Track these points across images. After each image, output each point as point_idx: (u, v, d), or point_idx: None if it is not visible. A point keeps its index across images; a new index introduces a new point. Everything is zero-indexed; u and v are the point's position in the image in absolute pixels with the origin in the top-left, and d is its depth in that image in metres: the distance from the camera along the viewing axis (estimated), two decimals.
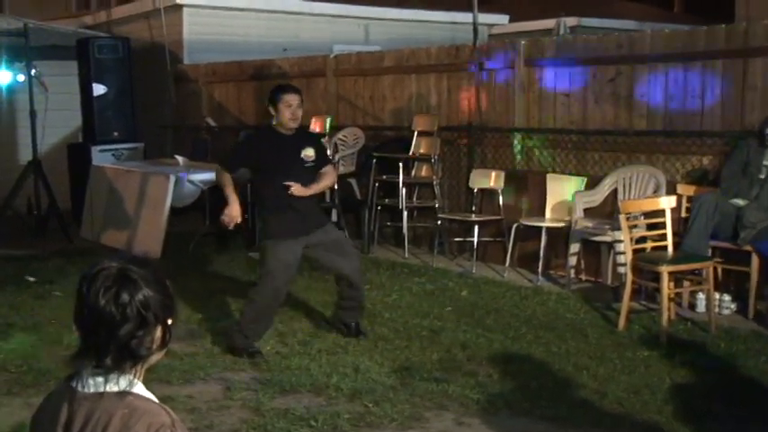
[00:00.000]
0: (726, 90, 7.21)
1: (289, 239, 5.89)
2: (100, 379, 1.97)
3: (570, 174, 8.26)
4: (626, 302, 6.47)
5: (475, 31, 9.26)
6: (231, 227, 6.12)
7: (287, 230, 5.90)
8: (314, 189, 6.07)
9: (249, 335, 5.96)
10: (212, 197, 10.65)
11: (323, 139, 6.81)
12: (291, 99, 5.92)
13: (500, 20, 16.33)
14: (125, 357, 1.97)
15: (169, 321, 2.05)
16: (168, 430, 1.90)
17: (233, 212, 5.95)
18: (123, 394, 1.96)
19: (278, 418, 4.85)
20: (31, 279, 8.23)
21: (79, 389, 1.99)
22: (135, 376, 2.01)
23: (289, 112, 5.90)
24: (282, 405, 5.05)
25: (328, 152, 7.48)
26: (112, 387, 1.97)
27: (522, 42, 8.85)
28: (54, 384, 5.21)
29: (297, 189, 5.90)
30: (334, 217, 9.95)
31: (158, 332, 2.02)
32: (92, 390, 1.97)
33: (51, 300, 7.54)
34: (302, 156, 6.01)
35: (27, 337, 6.44)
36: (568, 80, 8.37)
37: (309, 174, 6.06)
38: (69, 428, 1.96)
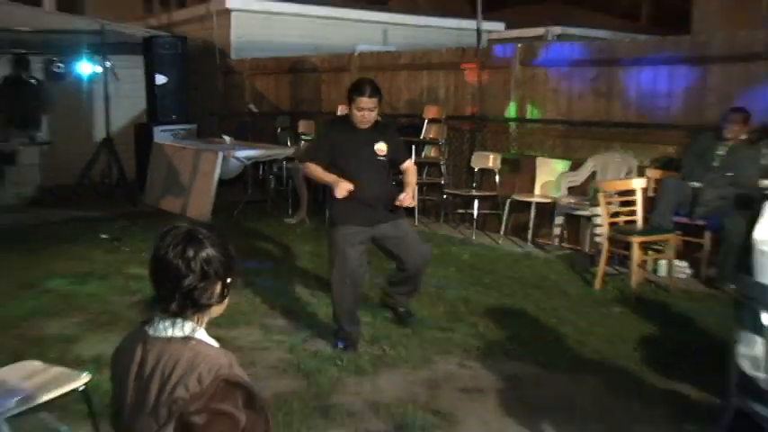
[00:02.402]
0: (688, 90, 7.08)
1: (354, 226, 4.97)
2: (167, 323, 1.93)
3: (557, 158, 8.15)
4: (602, 267, 6.39)
5: (478, 35, 9.10)
6: (348, 194, 4.85)
7: (353, 218, 4.97)
8: (412, 193, 5.07)
9: (337, 317, 5.09)
10: (254, 171, 10.66)
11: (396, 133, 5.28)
12: (364, 103, 4.87)
13: (497, 27, 16.08)
14: (188, 305, 1.92)
15: (228, 279, 1.99)
16: (226, 369, 1.85)
17: (342, 187, 4.84)
18: (187, 339, 1.91)
19: (309, 358, 4.81)
20: (104, 236, 8.19)
21: (151, 332, 1.94)
22: (198, 323, 1.96)
23: (359, 114, 4.91)
24: (312, 347, 5.01)
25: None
26: (178, 332, 1.92)
27: (519, 46, 8.71)
28: (123, 324, 5.26)
29: (405, 200, 4.94)
30: None
31: (218, 287, 1.96)
32: (161, 334, 1.93)
33: (119, 254, 7.51)
34: (375, 149, 5.03)
35: (102, 284, 6.43)
36: (556, 78, 8.23)
37: (381, 167, 5.06)
38: (143, 366, 1.92)
